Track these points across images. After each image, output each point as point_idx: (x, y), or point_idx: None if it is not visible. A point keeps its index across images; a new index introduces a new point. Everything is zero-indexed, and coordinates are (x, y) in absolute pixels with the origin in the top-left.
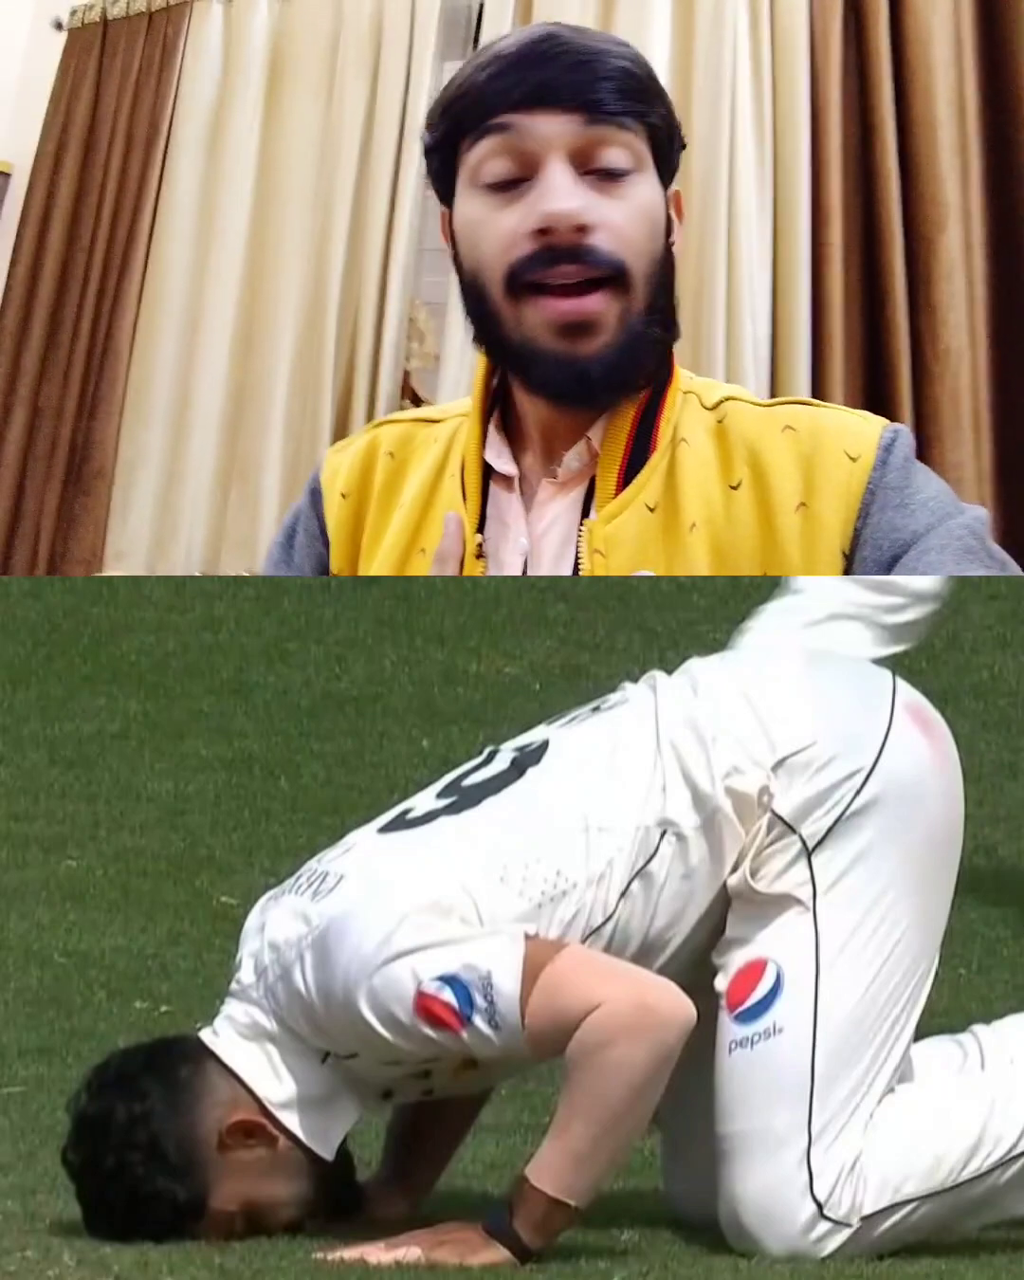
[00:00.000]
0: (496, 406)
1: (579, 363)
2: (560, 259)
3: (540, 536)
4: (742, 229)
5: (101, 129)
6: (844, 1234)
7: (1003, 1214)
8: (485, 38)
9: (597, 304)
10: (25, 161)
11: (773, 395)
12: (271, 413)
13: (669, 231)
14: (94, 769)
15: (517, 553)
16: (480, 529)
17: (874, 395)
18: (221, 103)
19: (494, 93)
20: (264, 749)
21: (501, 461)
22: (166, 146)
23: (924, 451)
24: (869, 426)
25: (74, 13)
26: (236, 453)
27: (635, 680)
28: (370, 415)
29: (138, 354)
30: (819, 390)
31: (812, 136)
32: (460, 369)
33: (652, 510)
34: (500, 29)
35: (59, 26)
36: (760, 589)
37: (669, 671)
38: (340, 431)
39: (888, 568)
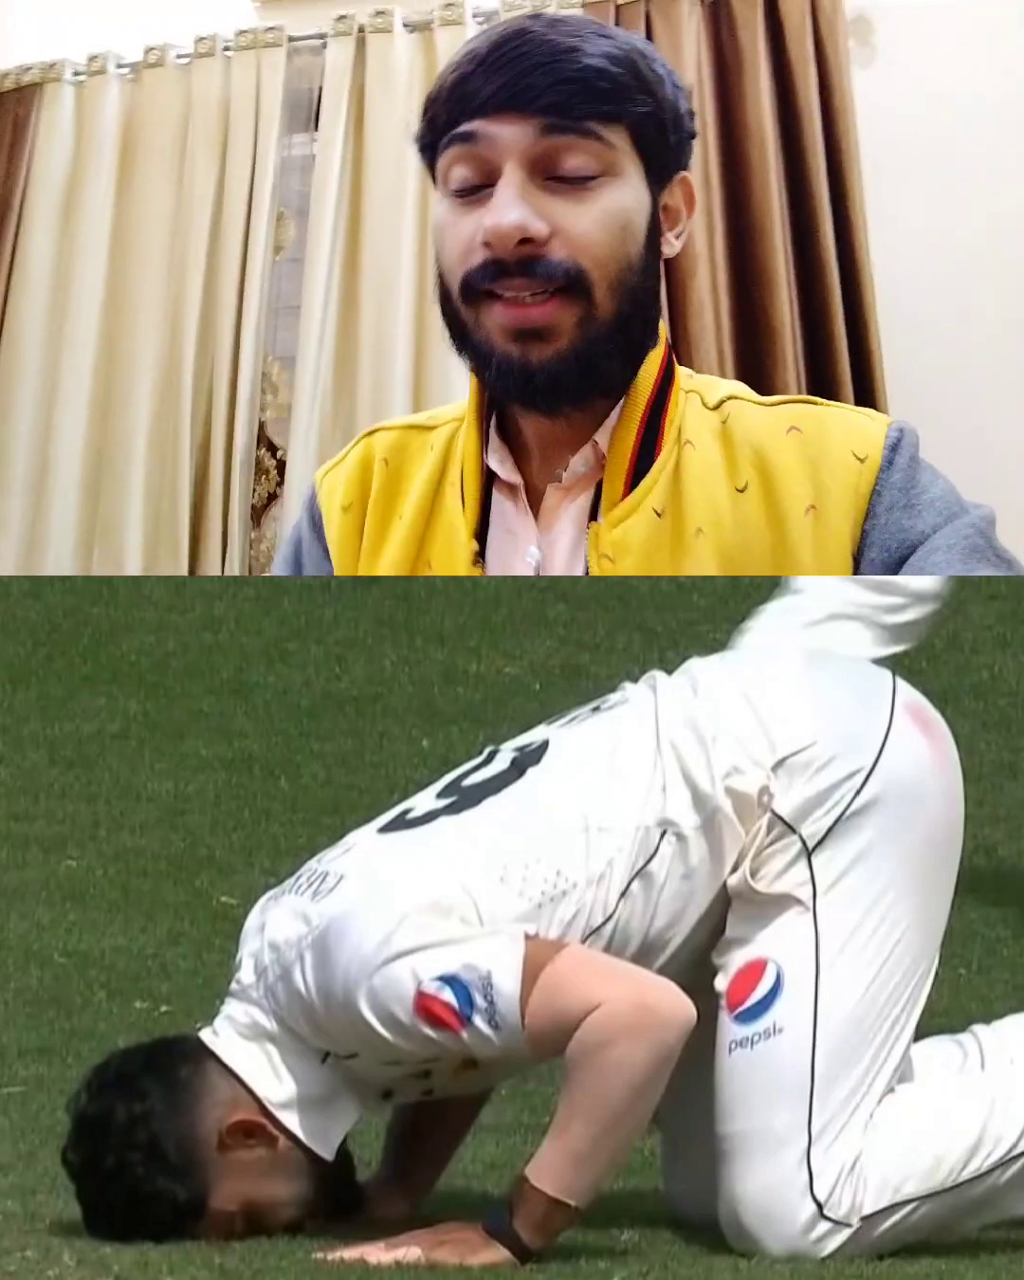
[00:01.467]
0: (493, 412)
1: (528, 369)
2: (508, 272)
3: (551, 545)
4: None
5: None
6: (844, 1234)
7: (1003, 1214)
8: (324, 115)
9: (548, 313)
10: None
11: None
12: (131, 473)
13: (655, 230)
14: (94, 769)
15: (527, 564)
16: (479, 537)
17: None
18: (74, 178)
19: (459, 98)
20: (264, 749)
21: (505, 468)
22: (19, 220)
23: None
24: (874, 425)
25: None
26: (98, 514)
27: (635, 680)
28: (228, 467)
29: None
30: None
31: None
32: (310, 417)
33: (659, 515)
34: (339, 109)
35: None
36: (760, 589)
37: (669, 671)
38: (200, 484)
39: (895, 568)
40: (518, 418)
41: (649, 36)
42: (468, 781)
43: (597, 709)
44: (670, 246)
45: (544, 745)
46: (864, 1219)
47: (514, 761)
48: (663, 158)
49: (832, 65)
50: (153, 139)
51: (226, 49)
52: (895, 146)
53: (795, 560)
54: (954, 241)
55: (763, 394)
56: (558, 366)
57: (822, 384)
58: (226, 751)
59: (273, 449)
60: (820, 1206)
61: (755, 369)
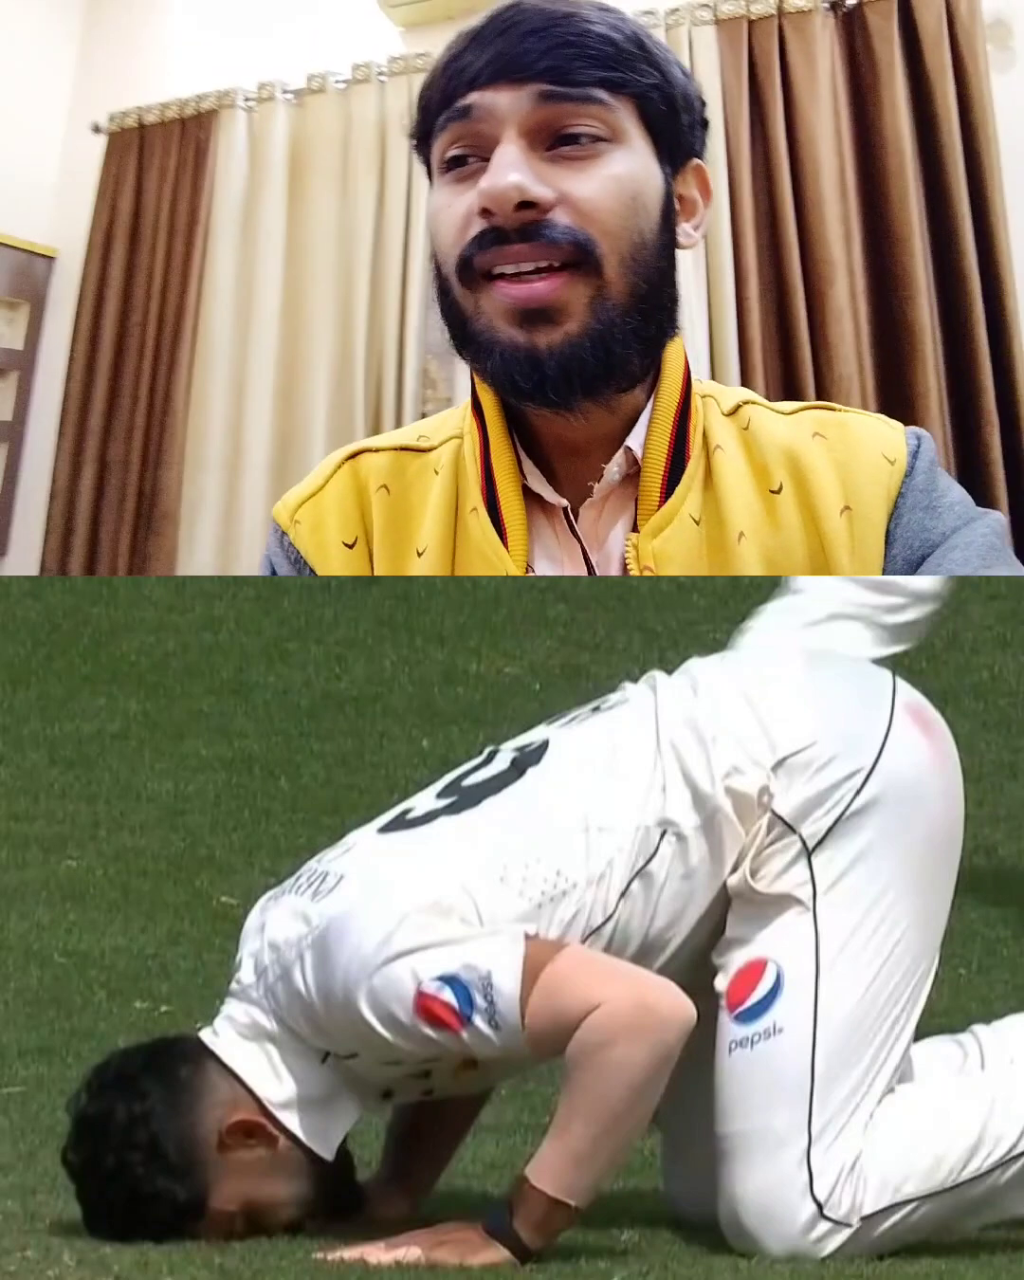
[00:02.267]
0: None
1: (536, 355)
2: (508, 239)
3: (600, 568)
4: (681, 290)
5: (145, 220)
6: (844, 1234)
7: (1003, 1214)
8: None
9: (555, 289)
10: (68, 246)
11: None
12: (312, 457)
13: (669, 212)
14: (94, 769)
15: None
16: (529, 569)
17: None
18: (251, 195)
19: (453, 74)
20: (264, 749)
21: (548, 490)
22: (205, 234)
23: None
24: (895, 431)
25: (111, 118)
26: (285, 492)
27: (635, 680)
28: None
29: (193, 411)
30: None
31: (731, 215)
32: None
33: (697, 523)
34: None
35: (97, 130)
36: (760, 589)
37: (669, 671)
38: None
39: (914, 567)
40: (538, 428)
41: (782, 50)
42: (468, 781)
43: (597, 709)
44: (688, 238)
45: (544, 745)
46: (864, 1219)
47: (514, 761)
48: (674, 137)
49: (969, 72)
50: (318, 158)
51: (380, 74)
52: None
53: (833, 561)
54: None
55: (907, 402)
56: (570, 351)
57: (963, 390)
58: (226, 751)
59: None
60: (820, 1206)
61: (896, 376)
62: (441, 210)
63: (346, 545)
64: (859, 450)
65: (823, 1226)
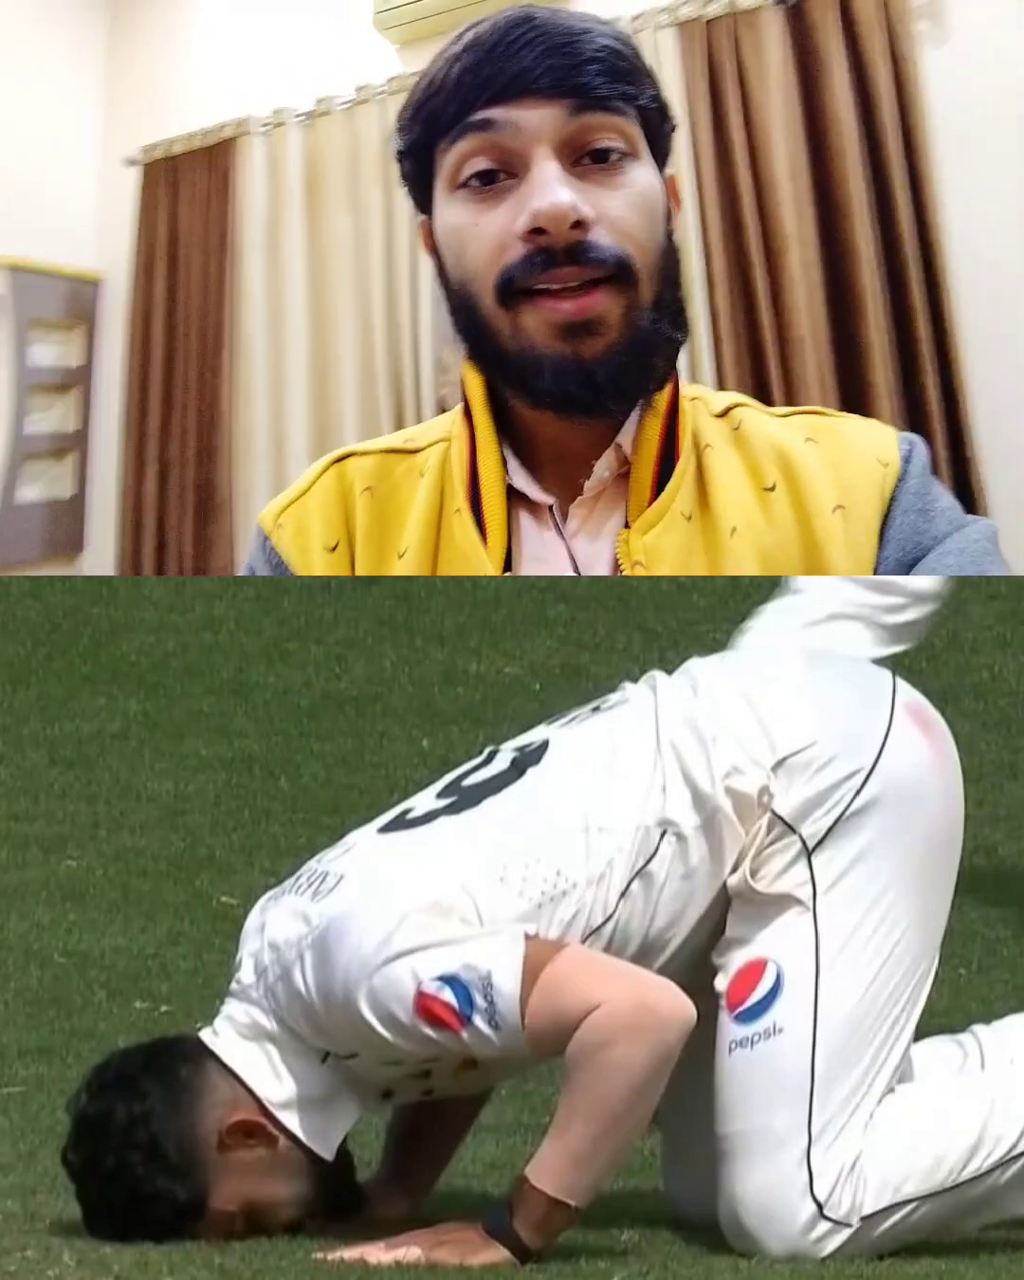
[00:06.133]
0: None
1: (584, 365)
2: (557, 261)
3: (586, 570)
4: None
5: (181, 242)
6: (844, 1234)
7: (1003, 1214)
8: None
9: (599, 302)
10: (112, 270)
11: (692, 368)
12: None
13: (669, 218)
14: (94, 769)
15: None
16: (507, 569)
17: (755, 369)
18: (273, 214)
19: (469, 86)
20: (264, 749)
21: (534, 488)
22: (236, 251)
23: (790, 404)
24: (887, 436)
25: (143, 151)
26: None
27: (635, 680)
28: None
29: (238, 411)
30: (719, 362)
31: (696, 198)
32: None
33: (688, 519)
34: None
35: (131, 163)
36: (760, 589)
37: (669, 671)
38: None
39: (907, 569)
40: (534, 431)
41: (736, 47)
42: (468, 781)
43: (597, 709)
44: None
45: (544, 745)
46: (864, 1219)
47: (514, 761)
48: (662, 146)
49: (902, 54)
50: (330, 175)
51: (380, 93)
52: (974, 117)
53: (826, 559)
54: None
55: (856, 355)
56: (614, 361)
57: (905, 342)
58: (226, 751)
59: None
60: (820, 1206)
61: (846, 334)
62: (467, 228)
63: (329, 549)
64: (852, 452)
65: (823, 1226)
